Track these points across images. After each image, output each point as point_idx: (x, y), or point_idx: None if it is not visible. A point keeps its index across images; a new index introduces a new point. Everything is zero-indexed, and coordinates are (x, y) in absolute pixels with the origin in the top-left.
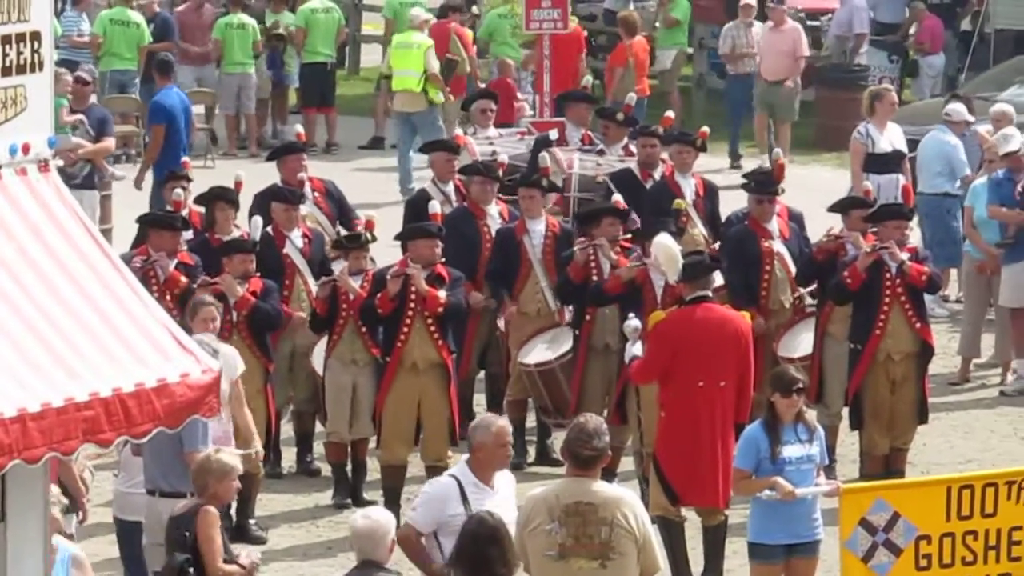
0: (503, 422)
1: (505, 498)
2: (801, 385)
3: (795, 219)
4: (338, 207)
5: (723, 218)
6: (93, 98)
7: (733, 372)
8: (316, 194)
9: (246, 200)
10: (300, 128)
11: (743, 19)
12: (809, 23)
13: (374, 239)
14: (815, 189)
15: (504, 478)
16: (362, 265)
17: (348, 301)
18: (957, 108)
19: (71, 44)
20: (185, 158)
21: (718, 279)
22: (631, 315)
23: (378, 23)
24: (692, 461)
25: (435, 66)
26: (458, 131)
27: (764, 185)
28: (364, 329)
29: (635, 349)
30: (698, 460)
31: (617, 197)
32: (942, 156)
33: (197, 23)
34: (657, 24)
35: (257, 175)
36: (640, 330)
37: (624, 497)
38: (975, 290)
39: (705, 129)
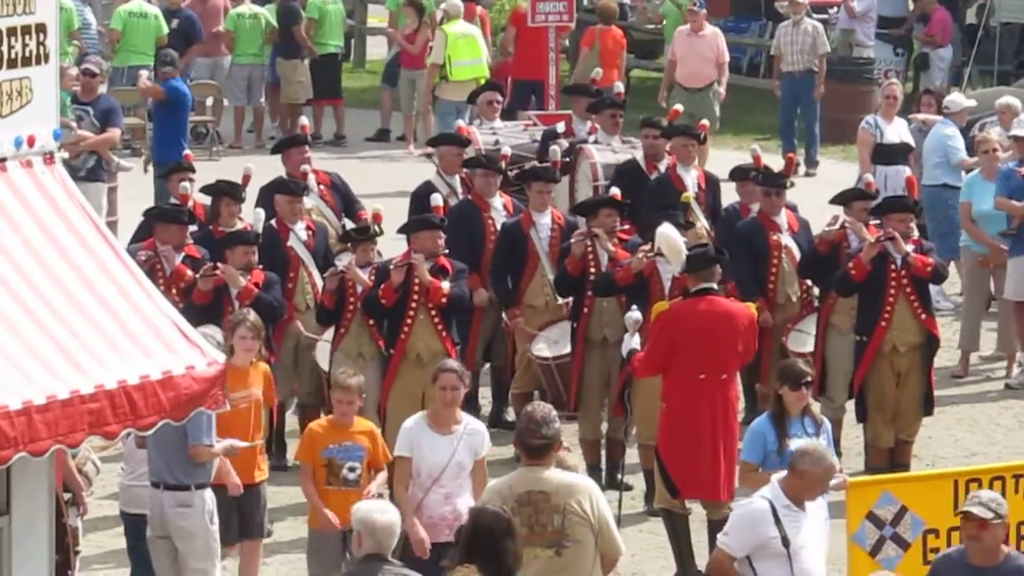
0: (832, 460)
1: (817, 519)
2: (809, 378)
3: (790, 207)
4: (343, 200)
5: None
6: (102, 88)
7: (736, 365)
8: (321, 187)
9: (255, 192)
10: (305, 120)
11: (795, 16)
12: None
13: (382, 232)
14: (820, 182)
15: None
16: (370, 258)
17: (355, 294)
18: (955, 99)
19: (72, 36)
20: (187, 151)
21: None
22: (633, 307)
23: (383, 15)
24: (692, 454)
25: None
26: (460, 122)
27: (772, 178)
28: (371, 322)
29: (633, 342)
30: (698, 453)
31: (615, 189)
32: (940, 147)
33: (203, 13)
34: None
35: (264, 168)
36: (640, 323)
37: (578, 484)
38: (976, 283)
39: (705, 122)
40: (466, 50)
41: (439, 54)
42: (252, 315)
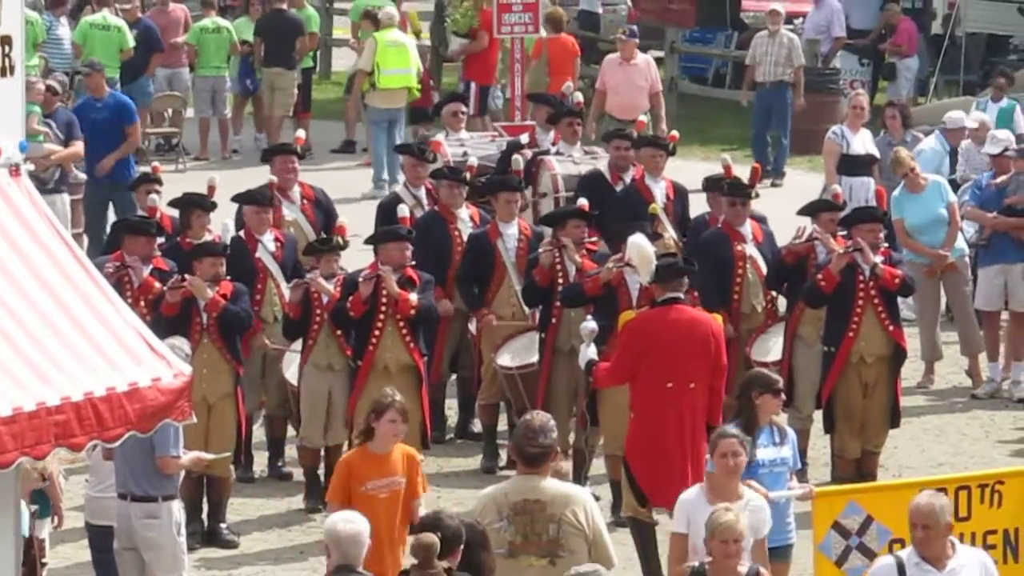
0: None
1: None
2: (781, 385)
3: (759, 220)
4: (325, 216)
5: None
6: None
7: (703, 374)
8: (305, 201)
9: (220, 203)
10: (301, 133)
11: (772, 27)
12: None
13: (346, 244)
14: (786, 192)
15: (968, 556)
16: (333, 269)
17: (322, 305)
18: (955, 117)
19: (37, 48)
20: (155, 162)
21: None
22: (588, 317)
23: (348, 27)
24: (660, 463)
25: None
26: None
27: (737, 188)
28: (338, 333)
29: (589, 352)
30: (666, 462)
31: (583, 200)
32: (932, 164)
33: (166, 24)
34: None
35: (229, 179)
36: (596, 332)
37: (573, 494)
38: (927, 293)
39: (674, 133)
40: (395, 59)
41: (368, 61)
42: (399, 396)
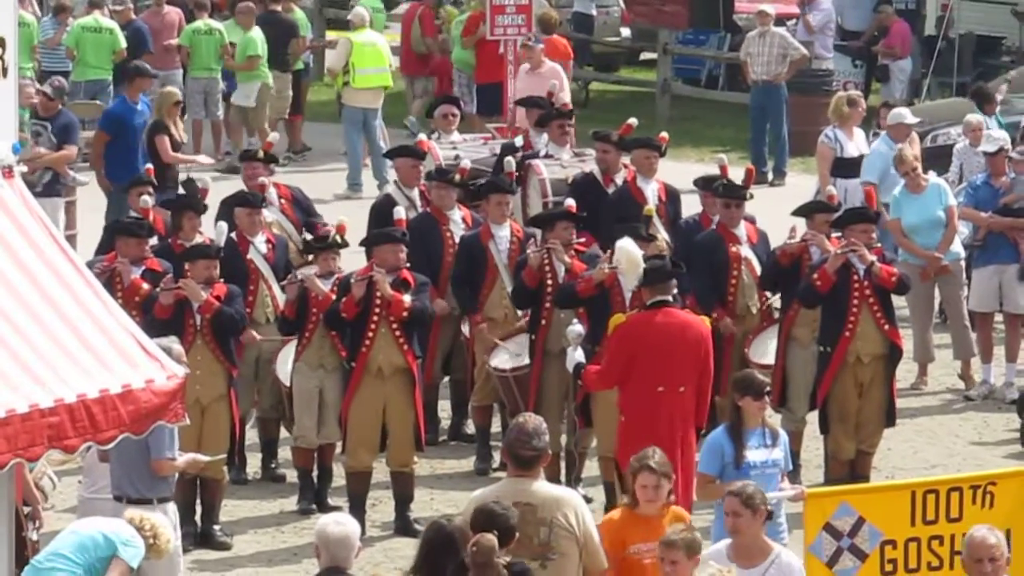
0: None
1: None
2: (769, 388)
3: (749, 220)
4: (304, 214)
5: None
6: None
7: (693, 377)
8: (283, 201)
9: (213, 205)
10: (275, 136)
11: (761, 27)
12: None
13: (345, 244)
14: (782, 194)
15: None
16: (331, 267)
17: (318, 304)
18: (900, 113)
19: (41, 48)
20: (149, 164)
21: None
22: (574, 320)
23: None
24: None
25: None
26: (422, 136)
27: (732, 190)
28: (333, 333)
29: (577, 355)
30: None
31: (570, 201)
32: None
33: (160, 26)
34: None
35: (221, 181)
36: (582, 336)
37: (564, 497)
38: (920, 295)
39: (664, 134)
40: (371, 58)
41: (340, 60)
42: (658, 454)
